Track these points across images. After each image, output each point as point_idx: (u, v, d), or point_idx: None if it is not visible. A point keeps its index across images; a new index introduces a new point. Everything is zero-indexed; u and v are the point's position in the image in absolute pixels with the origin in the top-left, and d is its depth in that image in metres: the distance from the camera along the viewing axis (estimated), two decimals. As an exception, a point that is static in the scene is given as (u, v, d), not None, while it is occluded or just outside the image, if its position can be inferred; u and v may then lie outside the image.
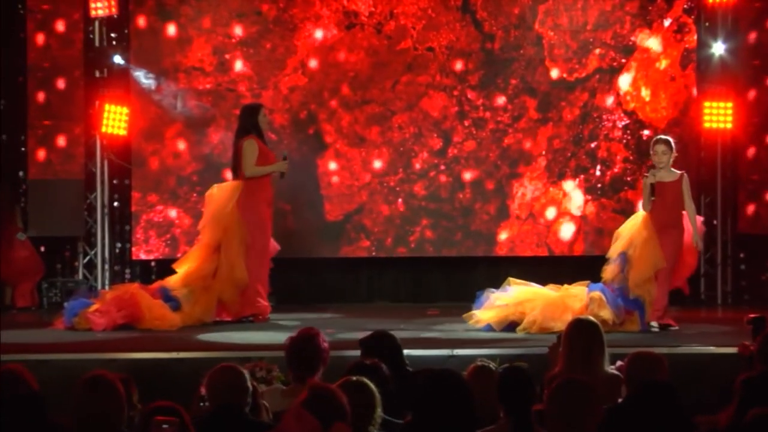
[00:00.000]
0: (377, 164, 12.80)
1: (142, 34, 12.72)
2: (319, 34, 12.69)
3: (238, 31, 12.70)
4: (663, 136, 10.30)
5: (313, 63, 12.72)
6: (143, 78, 12.63)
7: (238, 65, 12.70)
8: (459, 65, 12.78)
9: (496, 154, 12.85)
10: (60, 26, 12.64)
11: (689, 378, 7.84)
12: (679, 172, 10.13)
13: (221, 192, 10.87)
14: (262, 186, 10.71)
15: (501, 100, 12.81)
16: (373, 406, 4.85)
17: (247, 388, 5.34)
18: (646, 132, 12.62)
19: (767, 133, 12.85)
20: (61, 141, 12.71)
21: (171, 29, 12.68)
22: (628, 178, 12.80)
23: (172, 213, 12.73)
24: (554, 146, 12.85)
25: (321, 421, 4.49)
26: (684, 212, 10.14)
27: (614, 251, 10.24)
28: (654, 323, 9.99)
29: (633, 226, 10.24)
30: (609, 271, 10.20)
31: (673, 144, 10.13)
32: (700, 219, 10.51)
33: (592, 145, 12.87)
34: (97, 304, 10.48)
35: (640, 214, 10.30)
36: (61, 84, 12.68)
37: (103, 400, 4.72)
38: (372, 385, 4.92)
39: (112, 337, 9.85)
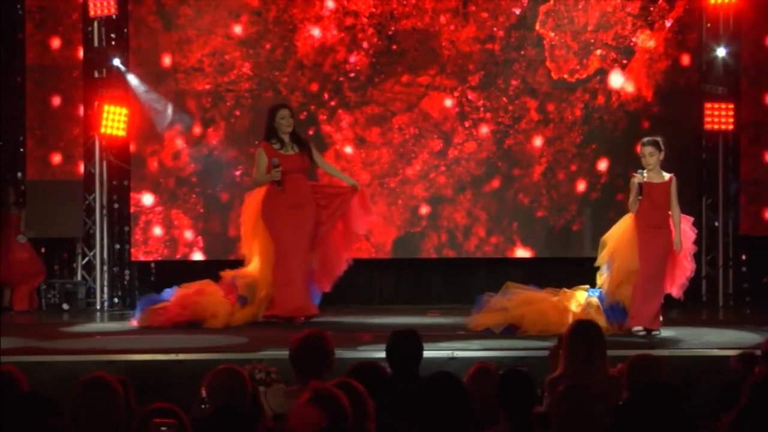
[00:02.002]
0: (377, 165, 12.77)
1: (141, 35, 12.69)
2: (319, 34, 12.66)
3: (237, 31, 12.67)
4: (651, 138, 10.22)
5: (312, 63, 12.69)
6: (137, 83, 12.59)
7: (238, 65, 12.66)
8: (459, 66, 12.75)
9: (497, 155, 12.82)
10: (59, 26, 12.61)
11: (690, 380, 7.82)
12: (668, 174, 10.07)
13: (251, 199, 10.95)
14: (283, 189, 10.64)
15: (502, 101, 12.78)
16: (363, 404, 4.82)
17: (248, 390, 5.30)
18: (648, 133, 12.58)
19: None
20: (59, 142, 12.67)
21: (170, 30, 12.64)
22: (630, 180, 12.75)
23: (172, 214, 12.69)
24: (555, 147, 12.82)
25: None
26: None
27: (601, 259, 10.23)
28: (639, 327, 9.94)
29: (618, 233, 10.21)
30: (601, 279, 10.20)
31: (661, 145, 10.06)
32: (689, 219, 10.44)
33: (594, 146, 12.84)
34: (166, 302, 10.66)
35: (625, 218, 10.24)
36: (59, 84, 12.65)
37: (103, 402, 4.69)
38: (358, 385, 4.88)
39: (111, 339, 9.81)
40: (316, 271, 10.91)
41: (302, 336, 5.98)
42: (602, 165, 12.86)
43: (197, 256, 12.68)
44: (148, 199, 12.67)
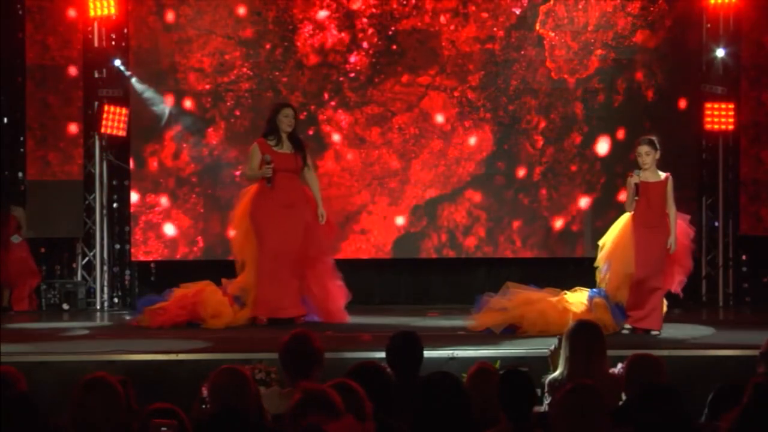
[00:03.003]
0: (377, 165, 12.78)
1: (141, 35, 12.69)
2: (318, 34, 12.66)
3: (237, 31, 12.66)
4: (646, 137, 10.21)
5: (312, 63, 12.69)
6: (137, 83, 12.60)
7: (238, 65, 12.66)
8: (459, 66, 12.75)
9: (497, 155, 12.82)
10: (59, 26, 12.61)
11: (690, 380, 7.81)
12: (664, 173, 10.08)
13: (242, 196, 10.92)
14: (273, 187, 10.60)
15: (502, 101, 12.79)
16: (361, 405, 4.82)
17: (250, 391, 5.31)
18: (648, 133, 12.58)
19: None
20: (59, 142, 12.68)
21: (170, 30, 12.65)
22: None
23: (171, 214, 12.70)
24: (555, 147, 12.82)
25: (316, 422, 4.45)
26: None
27: (599, 261, 10.26)
28: (628, 326, 9.99)
29: (614, 235, 10.24)
30: (600, 277, 10.22)
31: (657, 144, 10.06)
32: (687, 218, 10.45)
33: (594, 145, 12.84)
34: (165, 302, 10.64)
35: (621, 219, 10.26)
36: (59, 84, 12.65)
37: (103, 403, 4.68)
38: (356, 385, 4.88)
39: (111, 339, 9.81)
40: (326, 311, 10.75)
41: (287, 338, 6.00)
42: (602, 165, 12.85)
43: (197, 256, 12.68)
44: (148, 199, 12.68)
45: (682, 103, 12.87)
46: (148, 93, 12.61)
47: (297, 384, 5.68)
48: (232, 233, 11.04)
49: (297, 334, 6.01)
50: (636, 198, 9.95)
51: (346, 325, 10.59)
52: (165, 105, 12.63)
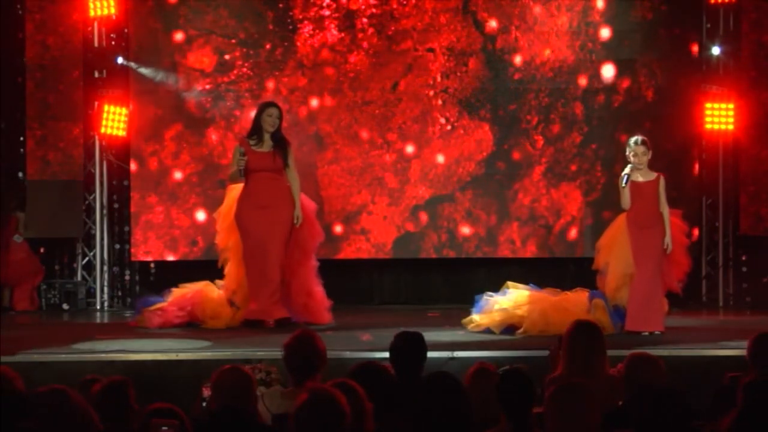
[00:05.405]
0: (377, 165, 12.77)
1: (141, 35, 12.69)
2: (319, 34, 12.67)
3: (238, 31, 12.67)
4: (641, 137, 10.22)
5: (312, 63, 12.69)
6: (143, 70, 12.60)
7: (238, 65, 12.67)
8: (459, 66, 12.75)
9: (497, 155, 12.82)
10: (59, 27, 12.61)
11: (689, 381, 7.81)
12: (655, 173, 10.10)
13: (229, 192, 10.91)
14: (250, 188, 10.51)
15: (502, 100, 12.79)
16: (361, 405, 4.82)
17: (252, 391, 5.32)
18: (648, 133, 12.57)
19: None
20: (59, 142, 12.68)
21: (170, 30, 12.65)
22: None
23: (172, 214, 12.70)
24: (555, 147, 12.82)
25: (322, 423, 4.45)
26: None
27: (597, 264, 10.28)
28: (644, 332, 9.97)
29: (610, 237, 10.26)
30: (600, 282, 10.23)
31: (648, 144, 10.11)
32: (678, 213, 10.46)
33: (593, 145, 12.84)
34: (163, 302, 10.63)
35: (616, 221, 10.28)
36: (59, 84, 12.65)
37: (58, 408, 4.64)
38: (356, 386, 4.89)
39: (111, 339, 9.81)
40: (308, 314, 10.66)
41: (292, 338, 6.01)
42: (602, 165, 12.85)
43: (197, 256, 12.67)
44: (148, 199, 12.68)
45: (682, 103, 12.86)
46: (154, 73, 12.59)
47: (302, 384, 5.70)
48: (217, 230, 11.05)
49: (301, 336, 6.02)
50: (624, 186, 9.96)
51: (347, 325, 10.59)
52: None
